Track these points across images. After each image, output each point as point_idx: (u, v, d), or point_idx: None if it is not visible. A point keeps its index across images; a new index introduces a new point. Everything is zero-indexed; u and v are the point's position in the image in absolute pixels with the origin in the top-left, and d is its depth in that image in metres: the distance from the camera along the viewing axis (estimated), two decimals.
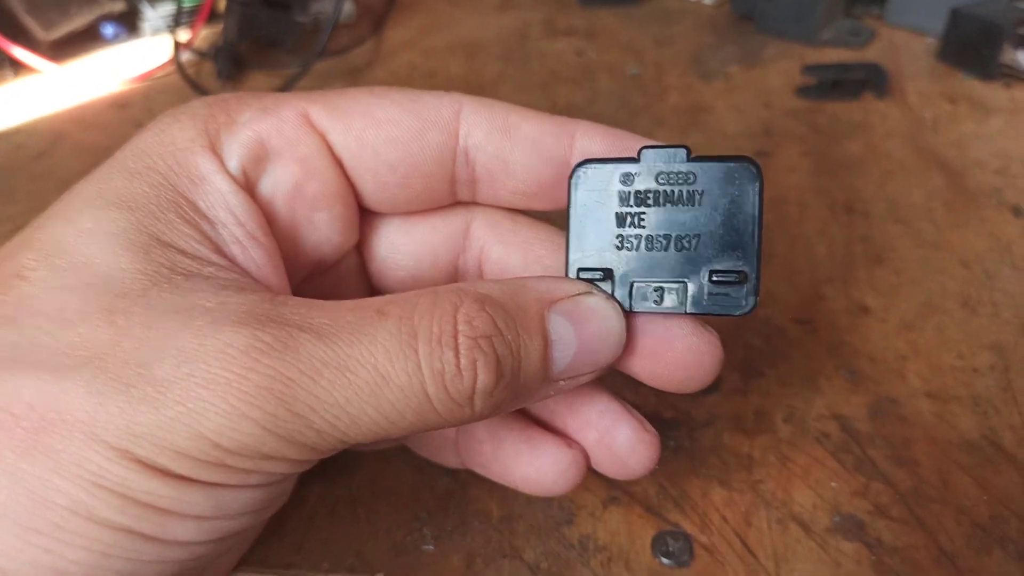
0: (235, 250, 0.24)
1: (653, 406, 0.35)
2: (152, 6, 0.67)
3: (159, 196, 0.23)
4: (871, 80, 0.56)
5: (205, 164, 0.24)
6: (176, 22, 0.63)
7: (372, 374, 0.20)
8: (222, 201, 0.24)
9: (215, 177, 0.24)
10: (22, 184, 0.52)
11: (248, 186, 0.25)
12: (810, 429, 0.33)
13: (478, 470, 0.29)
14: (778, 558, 0.29)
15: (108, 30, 0.67)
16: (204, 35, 0.67)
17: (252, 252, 0.24)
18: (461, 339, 0.21)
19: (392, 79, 0.61)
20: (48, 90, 0.62)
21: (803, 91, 0.56)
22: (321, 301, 0.22)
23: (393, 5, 0.72)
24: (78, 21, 0.63)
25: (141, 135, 0.25)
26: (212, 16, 0.65)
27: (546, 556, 0.29)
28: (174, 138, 0.24)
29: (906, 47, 0.62)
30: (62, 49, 0.65)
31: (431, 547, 0.30)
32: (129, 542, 0.19)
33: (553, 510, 0.31)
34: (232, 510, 0.21)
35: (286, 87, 0.59)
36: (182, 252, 0.22)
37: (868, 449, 0.32)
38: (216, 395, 0.19)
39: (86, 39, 0.66)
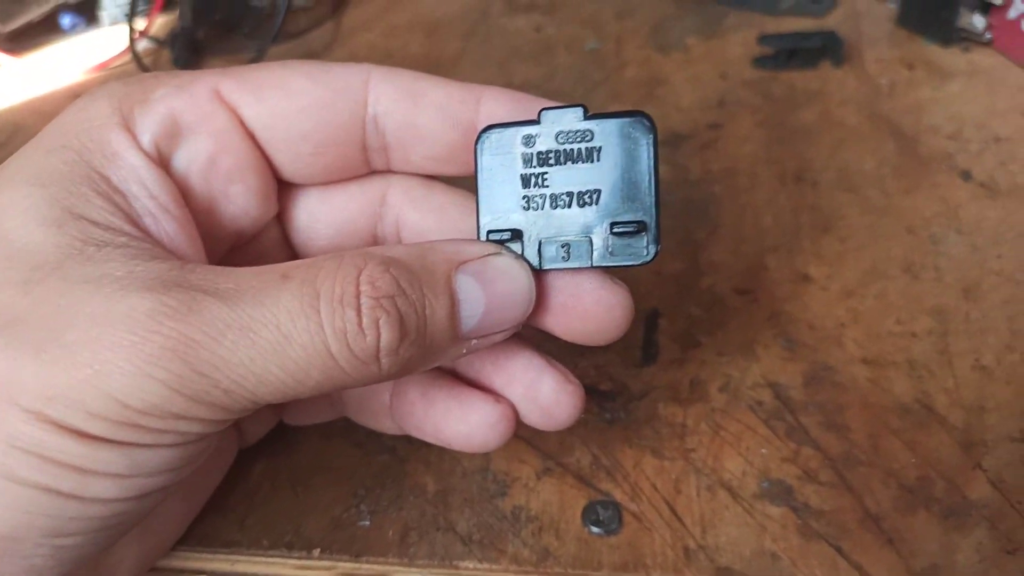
0: (148, 222, 0.25)
1: (592, 377, 0.35)
2: None
3: (73, 172, 0.24)
4: (828, 48, 0.55)
5: (118, 140, 0.25)
6: (133, 10, 0.63)
7: (274, 334, 0.21)
8: (134, 175, 0.25)
9: (128, 152, 0.25)
10: None
11: (161, 161, 0.26)
12: (744, 397, 0.33)
13: (412, 432, 0.30)
14: (704, 523, 0.29)
15: (66, 21, 0.66)
16: (161, 22, 0.66)
17: (165, 224, 0.25)
18: (363, 299, 0.21)
19: (351, 60, 0.61)
20: (6, 82, 0.62)
21: (760, 61, 0.56)
22: (229, 268, 0.22)
23: None
24: (35, 12, 0.63)
25: (60, 115, 0.26)
26: (169, 3, 0.64)
27: (479, 527, 0.30)
28: (90, 116, 0.25)
29: (868, 13, 0.61)
30: (20, 41, 0.65)
31: (367, 522, 0.30)
32: (49, 500, 0.20)
33: (488, 482, 0.31)
34: (149, 468, 0.22)
35: None
36: (95, 224, 0.23)
37: (801, 416, 0.33)
38: (122, 357, 0.20)
39: (44, 30, 0.66)
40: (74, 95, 0.60)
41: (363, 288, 0.21)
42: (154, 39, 0.64)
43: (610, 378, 0.35)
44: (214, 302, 0.21)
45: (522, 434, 0.33)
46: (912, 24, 0.58)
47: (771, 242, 0.41)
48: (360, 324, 0.21)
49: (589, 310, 0.25)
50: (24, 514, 0.20)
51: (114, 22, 0.67)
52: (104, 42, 0.66)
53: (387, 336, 0.21)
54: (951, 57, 0.55)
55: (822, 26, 0.59)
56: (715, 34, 0.60)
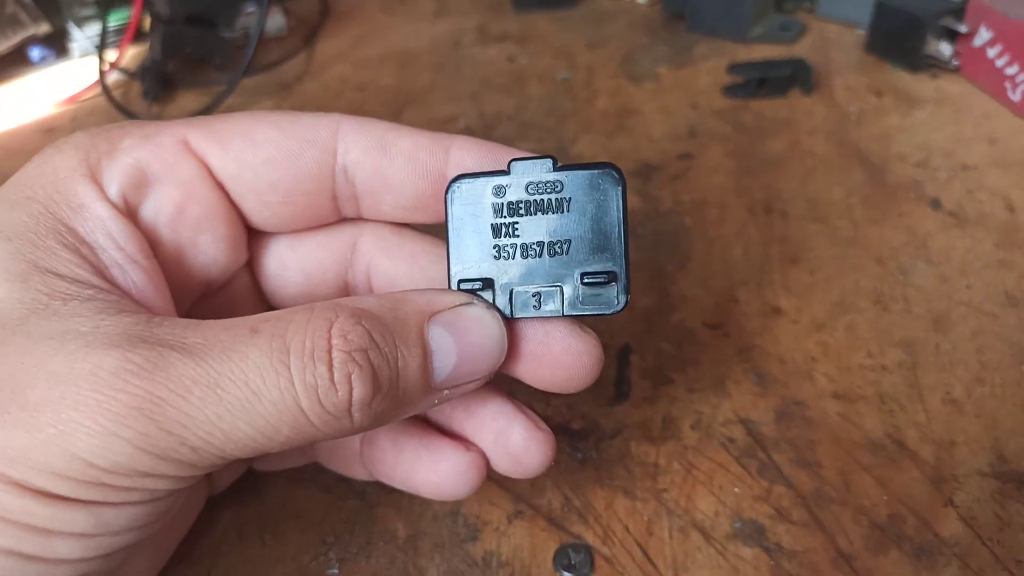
0: (115, 273, 0.24)
1: (563, 416, 0.35)
2: (80, 27, 0.66)
3: (38, 224, 0.23)
4: (798, 76, 0.56)
5: (84, 192, 0.24)
6: (103, 43, 0.62)
7: (243, 390, 0.20)
8: (101, 227, 0.24)
9: (94, 204, 0.24)
10: None
11: (129, 211, 0.25)
12: (716, 434, 0.33)
13: (383, 479, 0.29)
14: (677, 566, 0.29)
15: (35, 53, 0.66)
16: (132, 54, 0.66)
17: (132, 275, 0.24)
18: (335, 352, 0.21)
19: (323, 92, 0.61)
20: None
21: (730, 90, 0.56)
22: (198, 321, 0.22)
23: (327, 16, 0.71)
24: (4, 45, 0.62)
25: (25, 167, 0.25)
26: (139, 35, 0.64)
27: (449, 574, 0.29)
28: (55, 168, 0.25)
29: (837, 40, 0.62)
30: None
31: (336, 570, 0.30)
32: (12, 563, 0.20)
33: (459, 527, 0.31)
34: (115, 527, 0.21)
35: (214, 105, 0.58)
36: (61, 277, 0.23)
37: (773, 453, 0.32)
38: (86, 416, 0.19)
39: (13, 63, 0.66)
40: (42, 129, 0.60)
41: (335, 342, 0.21)
42: (125, 71, 0.64)
43: (582, 416, 0.35)
44: (180, 358, 0.20)
45: (493, 476, 0.32)
46: (880, 51, 0.59)
47: (741, 275, 0.41)
48: (332, 379, 0.21)
49: (559, 358, 0.25)
50: None
51: (84, 54, 0.67)
52: (74, 74, 0.65)
53: (359, 390, 0.21)
54: (919, 84, 0.56)
55: (791, 54, 0.60)
56: (686, 63, 0.61)
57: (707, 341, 0.38)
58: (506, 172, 0.25)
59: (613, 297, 0.24)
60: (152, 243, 0.26)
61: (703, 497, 0.31)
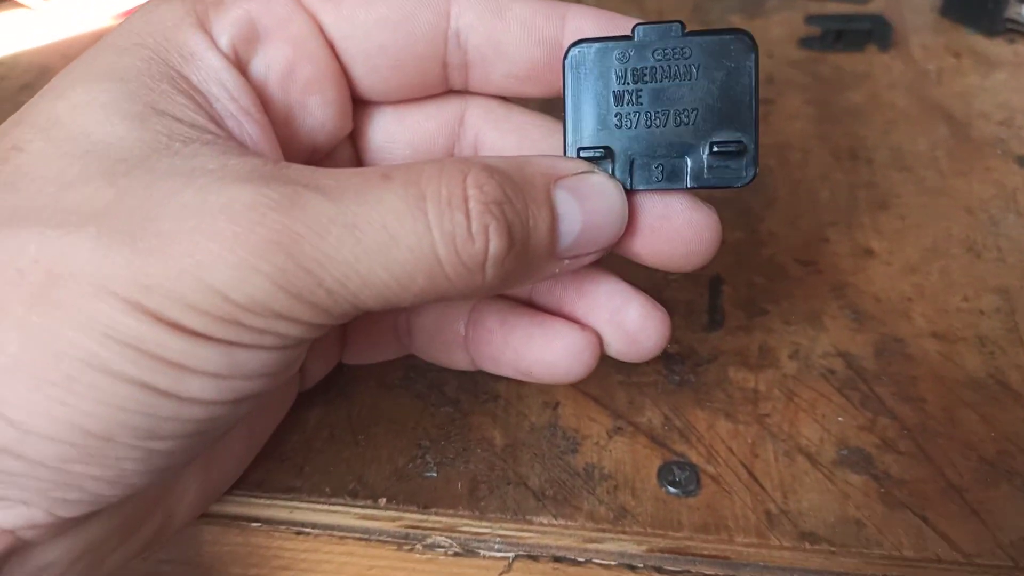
0: (231, 124, 0.23)
1: None
2: None
3: (151, 69, 0.22)
4: (876, 32, 0.55)
5: (195, 40, 0.23)
6: None
7: (381, 233, 0.20)
8: (215, 76, 0.23)
9: (206, 53, 0.23)
10: (6, 116, 0.51)
11: (240, 65, 0.24)
12: (815, 365, 0.33)
13: (488, 365, 0.29)
14: (785, 488, 0.29)
15: None
16: None
17: (248, 127, 0.24)
18: (472, 203, 0.20)
19: None
20: (34, 24, 0.60)
21: (806, 41, 0.55)
22: (323, 168, 0.21)
23: None
24: None
25: (130, 17, 0.24)
26: None
27: (551, 483, 0.29)
28: (162, 17, 0.24)
29: (910, 1, 0.61)
30: None
31: (434, 474, 0.29)
32: (144, 396, 0.19)
33: (558, 439, 0.30)
34: (248, 370, 0.20)
35: None
36: (179, 120, 0.22)
37: (874, 386, 0.32)
38: (224, 247, 0.18)
39: None
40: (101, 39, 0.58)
41: (471, 192, 0.20)
42: None
43: (676, 341, 0.34)
44: (317, 197, 0.20)
45: (590, 392, 0.32)
46: (955, 14, 0.58)
47: (830, 216, 0.40)
48: (469, 229, 0.20)
49: (680, 231, 0.25)
50: (119, 411, 0.19)
51: None
52: None
53: (496, 244, 0.21)
54: (997, 47, 0.55)
55: (864, 11, 0.59)
56: (758, 14, 0.60)
57: (800, 276, 0.37)
58: (630, 38, 0.24)
59: (742, 168, 0.23)
60: (262, 101, 0.25)
61: (806, 424, 0.31)
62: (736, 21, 0.59)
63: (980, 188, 0.42)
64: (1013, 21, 0.55)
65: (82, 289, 0.18)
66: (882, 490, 0.28)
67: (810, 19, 0.56)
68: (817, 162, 0.44)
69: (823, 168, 0.44)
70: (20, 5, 0.61)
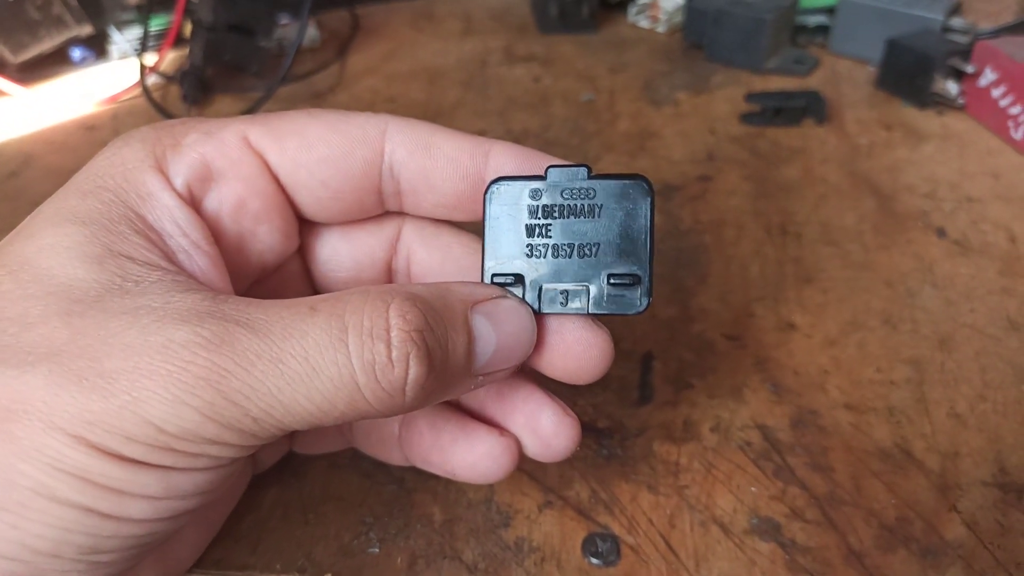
0: (182, 258, 0.26)
1: (590, 415, 0.37)
2: (120, 30, 0.68)
3: (111, 211, 0.25)
4: (811, 107, 0.58)
5: (152, 182, 0.26)
6: (143, 46, 0.65)
7: (304, 365, 0.22)
8: (168, 215, 0.26)
9: (162, 194, 0.26)
10: None
11: (193, 202, 0.27)
12: (734, 438, 0.35)
13: (419, 463, 0.31)
14: (698, 557, 0.31)
15: (76, 54, 0.68)
16: (171, 58, 0.69)
17: (197, 259, 0.26)
18: (394, 332, 0.23)
19: (355, 103, 0.63)
20: (17, 112, 0.63)
21: (746, 117, 0.59)
22: (259, 300, 0.24)
23: (357, 31, 0.74)
24: (47, 44, 0.64)
25: (95, 159, 0.27)
26: (179, 40, 0.66)
27: (484, 557, 0.31)
28: (124, 159, 0.26)
29: (848, 75, 0.65)
30: (31, 72, 0.66)
31: (376, 549, 0.32)
32: (88, 519, 0.21)
33: (492, 513, 0.33)
34: (182, 491, 0.23)
35: (251, 110, 0.60)
36: (133, 260, 0.24)
37: (788, 457, 0.34)
38: (159, 384, 0.21)
39: (55, 62, 0.68)
40: (84, 126, 0.62)
41: (394, 321, 0.23)
42: (163, 75, 0.66)
43: (608, 416, 0.37)
44: (246, 333, 0.22)
45: (524, 468, 0.34)
46: (890, 87, 0.61)
47: (757, 292, 0.43)
48: (390, 357, 0.22)
49: (571, 347, 0.27)
50: (64, 532, 0.21)
51: (123, 56, 0.69)
52: (114, 76, 0.67)
53: (415, 369, 0.23)
54: (926, 120, 0.58)
55: (805, 86, 0.63)
56: (704, 90, 0.63)
57: (725, 351, 0.40)
58: (543, 177, 0.27)
59: (636, 299, 0.26)
60: (214, 232, 0.27)
61: (722, 495, 0.33)
62: (683, 97, 0.62)
63: (901, 261, 0.45)
64: (940, 95, 0.59)
65: (34, 424, 0.21)
66: (787, 557, 0.31)
67: (750, 97, 0.59)
68: (750, 238, 0.47)
69: (755, 244, 0.47)
70: (2, 94, 0.64)
